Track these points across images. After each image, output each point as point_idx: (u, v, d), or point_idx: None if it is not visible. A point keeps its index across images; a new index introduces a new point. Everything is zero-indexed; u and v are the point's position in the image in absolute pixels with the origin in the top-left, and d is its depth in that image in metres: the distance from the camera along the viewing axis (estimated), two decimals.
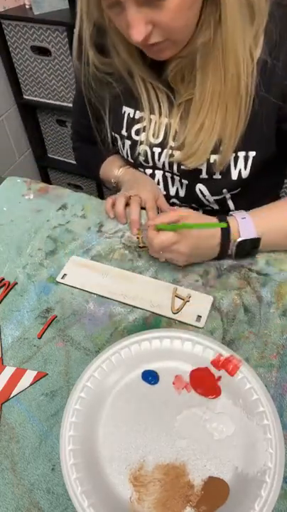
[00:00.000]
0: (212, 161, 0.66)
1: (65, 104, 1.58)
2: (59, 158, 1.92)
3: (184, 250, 0.58)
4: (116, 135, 0.77)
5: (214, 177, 0.69)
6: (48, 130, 1.81)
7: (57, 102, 1.59)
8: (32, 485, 0.43)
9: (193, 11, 0.53)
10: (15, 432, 0.47)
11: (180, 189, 0.76)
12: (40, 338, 0.56)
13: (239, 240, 0.60)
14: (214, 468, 0.42)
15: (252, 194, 0.72)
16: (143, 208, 0.73)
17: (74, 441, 0.44)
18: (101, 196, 0.75)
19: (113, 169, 0.82)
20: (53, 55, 1.43)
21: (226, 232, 0.60)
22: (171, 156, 0.70)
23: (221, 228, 0.60)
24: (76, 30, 0.61)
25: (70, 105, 1.52)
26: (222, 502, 0.40)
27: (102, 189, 1.84)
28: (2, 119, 1.65)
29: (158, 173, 0.76)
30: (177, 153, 0.69)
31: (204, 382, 0.49)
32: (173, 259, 0.61)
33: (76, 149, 0.96)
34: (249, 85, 0.59)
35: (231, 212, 0.63)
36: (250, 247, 0.61)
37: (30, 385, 0.51)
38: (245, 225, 0.60)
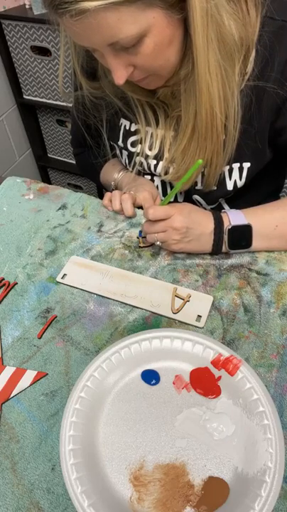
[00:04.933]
0: (206, 173, 0.67)
1: (64, 104, 1.58)
2: (59, 158, 1.92)
3: (177, 225, 0.59)
4: (114, 144, 0.77)
5: (211, 189, 0.70)
6: (48, 130, 1.81)
7: (57, 102, 1.59)
8: (32, 485, 0.43)
9: (174, 47, 0.52)
10: (15, 431, 0.47)
11: (178, 195, 0.77)
12: (40, 338, 0.56)
13: (230, 226, 0.60)
14: (214, 468, 0.42)
15: (250, 199, 0.72)
16: (140, 208, 0.74)
17: (74, 441, 0.44)
18: (101, 196, 0.75)
19: (113, 173, 0.83)
20: (53, 55, 1.43)
21: (218, 221, 0.61)
22: (166, 172, 0.71)
23: (215, 218, 0.62)
24: (62, 62, 0.62)
25: (70, 105, 1.52)
26: (222, 502, 0.40)
27: (102, 189, 1.84)
28: (2, 119, 1.65)
29: (157, 180, 0.77)
30: (170, 170, 0.70)
31: (204, 382, 0.49)
32: (168, 240, 0.61)
33: (77, 155, 0.97)
34: (230, 126, 0.58)
35: (223, 210, 0.65)
36: (242, 235, 0.61)
37: (30, 385, 0.51)
38: (235, 214, 0.62)
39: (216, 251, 0.63)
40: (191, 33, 0.49)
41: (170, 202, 0.79)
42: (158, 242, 0.62)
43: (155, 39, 0.48)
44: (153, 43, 0.49)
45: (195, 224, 0.61)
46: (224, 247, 0.62)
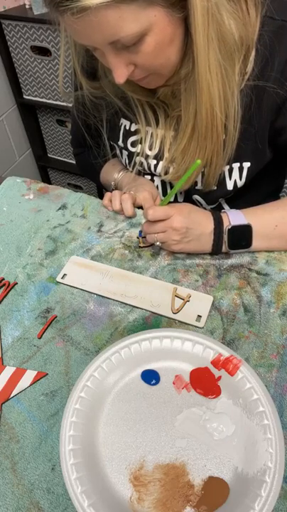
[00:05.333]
0: (205, 173, 0.67)
1: (65, 104, 1.58)
2: (59, 158, 1.92)
3: (177, 225, 0.59)
4: (114, 144, 0.77)
5: (210, 188, 0.70)
6: (48, 130, 1.81)
7: (57, 102, 1.59)
8: (32, 485, 0.43)
9: (174, 47, 0.52)
10: (15, 431, 0.47)
11: (178, 195, 0.77)
12: (40, 338, 0.56)
13: (230, 226, 0.60)
14: (214, 468, 0.42)
15: (250, 199, 0.72)
16: (140, 208, 0.74)
17: (74, 441, 0.44)
18: (101, 196, 0.76)
19: (113, 173, 0.83)
20: (53, 55, 1.43)
21: (218, 221, 0.61)
22: (166, 172, 0.71)
23: (214, 218, 0.61)
24: (62, 61, 0.62)
25: (70, 105, 1.52)
26: (222, 502, 0.40)
27: (102, 189, 1.85)
28: (2, 119, 1.65)
29: (157, 180, 0.77)
30: (170, 170, 0.70)
31: (204, 382, 0.49)
32: (168, 241, 0.61)
33: (77, 155, 0.97)
34: (230, 126, 0.58)
35: (223, 210, 0.65)
36: (242, 235, 0.61)
37: (30, 385, 0.51)
38: (234, 213, 0.62)
39: (216, 251, 0.63)
40: (192, 32, 0.49)
41: (169, 202, 0.79)
42: (158, 243, 0.62)
43: (156, 37, 0.48)
44: (154, 42, 0.49)
45: (195, 224, 0.61)
46: (224, 247, 0.62)
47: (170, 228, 0.59)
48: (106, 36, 0.47)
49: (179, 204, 0.63)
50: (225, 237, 0.61)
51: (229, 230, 0.60)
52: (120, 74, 0.52)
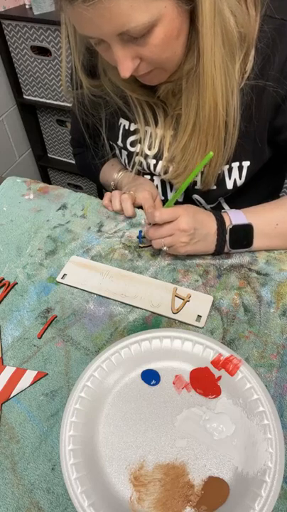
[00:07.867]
0: (205, 172, 0.67)
1: (65, 104, 1.58)
2: (59, 158, 1.92)
3: (185, 227, 0.58)
4: (113, 144, 0.77)
5: (209, 188, 0.69)
6: (48, 130, 1.81)
7: (57, 102, 1.59)
8: (32, 485, 0.43)
9: (181, 40, 0.52)
10: (15, 431, 0.47)
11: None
12: (40, 338, 0.56)
13: (231, 225, 0.60)
14: (214, 468, 0.42)
15: (250, 198, 0.72)
16: (140, 208, 0.74)
17: (74, 441, 0.44)
18: (101, 196, 0.76)
19: (112, 173, 0.83)
20: (53, 55, 1.43)
21: (220, 221, 0.61)
22: (165, 171, 0.71)
23: (216, 218, 0.61)
24: (64, 59, 0.62)
25: (70, 105, 1.53)
26: (222, 502, 0.40)
27: (102, 189, 1.85)
28: (2, 119, 1.65)
29: (156, 179, 0.76)
30: (169, 169, 0.70)
31: (204, 382, 0.49)
32: (176, 243, 0.60)
33: (76, 155, 0.96)
34: (230, 125, 0.58)
35: (223, 210, 0.65)
36: (243, 234, 0.61)
37: (30, 385, 0.51)
38: (235, 213, 0.62)
39: (218, 251, 0.63)
40: (198, 24, 0.49)
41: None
42: (165, 248, 0.62)
43: (164, 29, 0.48)
44: (162, 34, 0.48)
45: (201, 224, 0.60)
46: (226, 247, 0.62)
47: (178, 230, 0.59)
48: (116, 26, 0.46)
49: (183, 205, 0.63)
50: (227, 236, 0.61)
51: (230, 229, 0.60)
52: (126, 67, 0.51)
